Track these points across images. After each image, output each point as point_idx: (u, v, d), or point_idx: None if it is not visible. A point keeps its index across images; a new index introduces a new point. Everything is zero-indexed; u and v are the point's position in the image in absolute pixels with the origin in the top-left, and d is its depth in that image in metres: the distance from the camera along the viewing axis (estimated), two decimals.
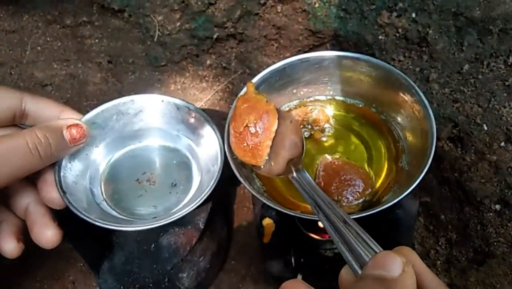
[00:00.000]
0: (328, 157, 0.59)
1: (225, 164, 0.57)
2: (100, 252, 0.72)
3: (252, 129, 0.50)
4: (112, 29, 0.92)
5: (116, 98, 0.92)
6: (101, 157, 0.66)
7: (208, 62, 0.89)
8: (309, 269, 0.66)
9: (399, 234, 0.59)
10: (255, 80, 0.62)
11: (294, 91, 0.65)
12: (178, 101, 0.67)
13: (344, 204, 0.54)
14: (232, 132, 0.53)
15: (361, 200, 0.55)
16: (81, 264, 0.80)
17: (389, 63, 0.82)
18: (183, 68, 0.90)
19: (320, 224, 0.67)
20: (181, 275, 0.65)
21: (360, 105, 0.65)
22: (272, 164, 0.53)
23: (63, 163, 0.57)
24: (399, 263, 0.24)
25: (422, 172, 0.51)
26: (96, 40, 0.93)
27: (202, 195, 0.55)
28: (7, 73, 0.96)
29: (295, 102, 0.66)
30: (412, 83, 0.58)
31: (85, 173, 0.62)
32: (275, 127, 0.51)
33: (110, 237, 0.73)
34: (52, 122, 0.52)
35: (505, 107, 0.73)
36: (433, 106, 0.76)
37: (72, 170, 0.59)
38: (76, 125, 0.54)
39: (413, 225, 0.63)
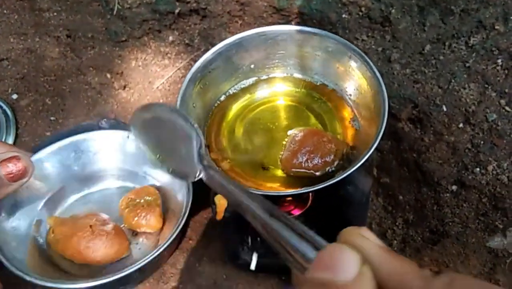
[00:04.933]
0: (294, 131, 0.57)
1: None
2: None
3: None
4: (71, 2, 0.87)
5: (74, 75, 0.90)
6: (52, 200, 0.58)
7: (171, 38, 0.86)
8: (265, 248, 0.65)
9: (352, 212, 0.58)
10: (210, 53, 0.59)
11: (252, 66, 0.63)
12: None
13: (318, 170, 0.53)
14: None
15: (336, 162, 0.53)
16: None
17: (352, 42, 0.81)
18: (144, 44, 0.86)
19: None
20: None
21: (318, 83, 0.64)
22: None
23: (2, 207, 0.50)
24: (353, 262, 0.18)
25: (371, 149, 0.50)
26: (55, 14, 0.89)
27: (154, 254, 0.50)
28: None
29: (252, 79, 0.64)
30: (366, 57, 0.56)
31: (31, 219, 0.55)
32: None
33: None
34: None
35: (464, 88, 0.73)
36: (394, 87, 0.75)
37: (13, 217, 0.53)
38: (14, 158, 0.43)
39: (366, 203, 0.63)
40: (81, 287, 0.50)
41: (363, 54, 0.56)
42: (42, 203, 0.57)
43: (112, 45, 0.87)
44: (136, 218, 0.55)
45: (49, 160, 0.58)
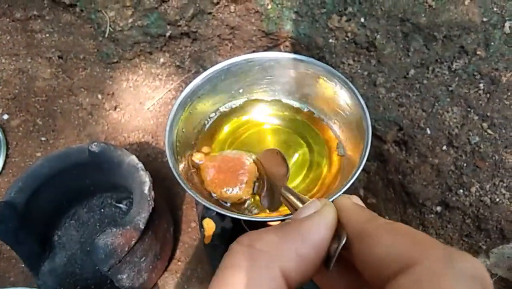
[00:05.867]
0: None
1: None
2: (41, 253, 0.70)
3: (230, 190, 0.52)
4: (63, 24, 0.89)
5: (65, 96, 0.91)
6: None
7: (162, 60, 0.87)
8: None
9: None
10: (199, 79, 0.61)
11: (240, 90, 0.65)
12: None
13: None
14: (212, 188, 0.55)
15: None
16: (23, 265, 0.77)
17: (338, 67, 0.83)
18: (135, 66, 0.88)
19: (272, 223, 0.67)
20: (120, 277, 0.62)
21: (304, 109, 0.65)
22: (270, 200, 0.52)
23: None
24: (314, 206, 0.24)
25: (359, 168, 0.51)
26: (47, 35, 0.90)
27: None
28: None
29: (241, 102, 0.66)
30: (351, 84, 0.58)
31: None
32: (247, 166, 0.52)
33: (52, 238, 0.71)
34: None
35: (448, 112, 0.75)
36: (379, 110, 0.77)
37: None
38: None
39: None
40: None
41: (348, 81, 0.58)
42: None
43: (103, 67, 0.88)
44: None
45: None
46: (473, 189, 0.70)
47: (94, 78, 0.88)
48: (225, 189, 0.52)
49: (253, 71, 0.63)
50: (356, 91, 0.56)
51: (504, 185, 0.69)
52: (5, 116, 0.88)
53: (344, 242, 0.22)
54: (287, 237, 0.22)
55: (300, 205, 0.33)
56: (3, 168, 0.83)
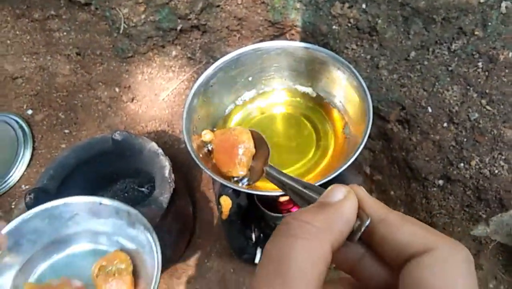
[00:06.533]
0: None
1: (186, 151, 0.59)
2: None
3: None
4: (80, 22, 0.94)
5: (85, 90, 0.97)
6: (28, 265, 0.60)
7: (174, 53, 0.92)
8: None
9: None
10: (211, 69, 0.66)
11: (250, 78, 0.69)
12: (118, 204, 0.60)
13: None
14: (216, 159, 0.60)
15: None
16: None
17: (342, 52, 0.87)
18: (149, 59, 0.93)
19: (282, 199, 0.73)
20: None
21: (311, 93, 0.70)
22: (254, 174, 0.57)
23: None
24: (342, 190, 0.27)
25: (361, 145, 0.55)
26: (64, 33, 0.96)
27: None
28: None
29: (251, 92, 0.71)
30: (353, 68, 0.62)
31: (9, 285, 0.57)
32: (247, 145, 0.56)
33: None
34: None
35: (448, 90, 0.79)
36: (382, 91, 0.81)
37: None
38: None
39: None
40: None
41: (350, 66, 0.62)
42: (15, 271, 0.58)
43: (119, 61, 0.93)
44: (107, 285, 0.57)
45: (22, 229, 0.59)
46: (473, 162, 0.74)
47: (111, 72, 0.93)
48: (227, 167, 0.58)
49: (261, 59, 0.68)
50: (357, 74, 0.61)
51: (503, 157, 0.73)
52: (30, 112, 0.94)
53: (368, 222, 0.26)
54: (333, 217, 0.26)
55: (286, 180, 0.42)
56: (31, 159, 0.89)
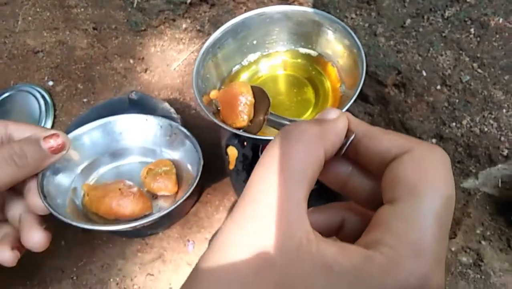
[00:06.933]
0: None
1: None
2: None
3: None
4: None
5: (101, 62, 1.03)
6: (85, 171, 0.66)
7: (184, 26, 0.98)
8: None
9: None
10: (218, 32, 0.72)
11: (254, 42, 0.75)
12: (161, 120, 0.68)
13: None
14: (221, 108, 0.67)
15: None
16: None
17: (342, 20, 0.92)
18: (161, 32, 0.99)
19: None
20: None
21: (312, 54, 0.76)
22: (256, 125, 0.63)
23: (47, 173, 0.57)
24: (336, 112, 0.30)
25: (353, 97, 0.61)
26: (82, 9, 1.02)
27: (177, 203, 0.59)
28: (1, 42, 1.05)
29: (256, 54, 0.77)
30: (348, 28, 0.68)
31: (69, 183, 0.63)
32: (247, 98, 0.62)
33: None
34: (31, 135, 0.52)
35: (441, 55, 0.84)
36: (379, 57, 0.86)
37: (55, 180, 0.60)
38: (53, 135, 0.52)
39: None
40: (118, 229, 0.60)
41: (346, 26, 0.67)
42: (77, 172, 0.65)
43: (133, 35, 1.00)
44: (156, 183, 0.64)
45: (82, 137, 0.66)
46: (464, 122, 0.79)
47: (125, 45, 1.00)
48: (231, 119, 0.64)
49: (265, 23, 0.73)
50: (352, 33, 0.66)
51: (492, 116, 0.77)
52: (51, 83, 1.00)
53: (353, 136, 0.30)
54: (327, 128, 0.29)
55: (287, 122, 0.49)
56: (53, 126, 0.96)
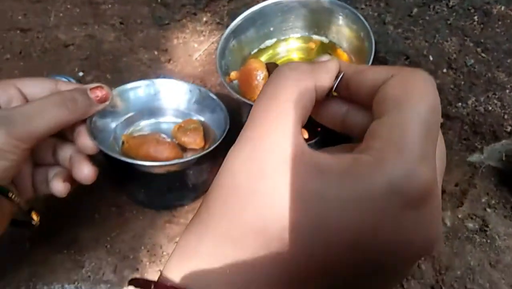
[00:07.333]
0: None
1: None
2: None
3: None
4: None
5: (128, 54, 1.11)
6: (124, 123, 0.74)
7: (204, 19, 1.05)
8: None
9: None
10: (239, 19, 0.79)
11: (271, 29, 0.82)
12: (191, 85, 0.77)
13: None
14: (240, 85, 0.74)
15: None
16: None
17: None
18: (183, 26, 1.06)
19: None
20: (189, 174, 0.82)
21: (326, 41, 0.82)
22: None
23: (94, 119, 0.63)
24: (327, 56, 0.33)
25: None
26: (109, 5, 1.10)
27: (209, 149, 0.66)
28: (34, 37, 1.13)
29: (273, 40, 0.84)
30: (358, 13, 0.74)
31: (112, 131, 0.71)
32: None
33: None
34: (79, 86, 0.60)
35: (447, 41, 0.89)
36: (389, 44, 0.92)
37: (101, 127, 0.67)
38: (99, 87, 0.62)
39: None
40: (165, 164, 0.67)
41: (357, 12, 0.73)
42: (118, 123, 0.73)
43: (157, 28, 1.07)
44: (185, 137, 0.72)
45: (128, 92, 0.75)
46: (469, 102, 0.84)
47: (150, 38, 1.07)
48: (249, 94, 0.70)
49: (281, 11, 0.80)
50: (362, 17, 0.72)
51: (496, 96, 0.82)
52: (81, 74, 1.08)
53: (342, 74, 0.33)
54: (319, 66, 0.32)
55: None
56: None
